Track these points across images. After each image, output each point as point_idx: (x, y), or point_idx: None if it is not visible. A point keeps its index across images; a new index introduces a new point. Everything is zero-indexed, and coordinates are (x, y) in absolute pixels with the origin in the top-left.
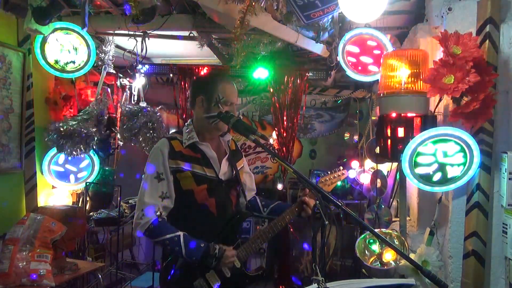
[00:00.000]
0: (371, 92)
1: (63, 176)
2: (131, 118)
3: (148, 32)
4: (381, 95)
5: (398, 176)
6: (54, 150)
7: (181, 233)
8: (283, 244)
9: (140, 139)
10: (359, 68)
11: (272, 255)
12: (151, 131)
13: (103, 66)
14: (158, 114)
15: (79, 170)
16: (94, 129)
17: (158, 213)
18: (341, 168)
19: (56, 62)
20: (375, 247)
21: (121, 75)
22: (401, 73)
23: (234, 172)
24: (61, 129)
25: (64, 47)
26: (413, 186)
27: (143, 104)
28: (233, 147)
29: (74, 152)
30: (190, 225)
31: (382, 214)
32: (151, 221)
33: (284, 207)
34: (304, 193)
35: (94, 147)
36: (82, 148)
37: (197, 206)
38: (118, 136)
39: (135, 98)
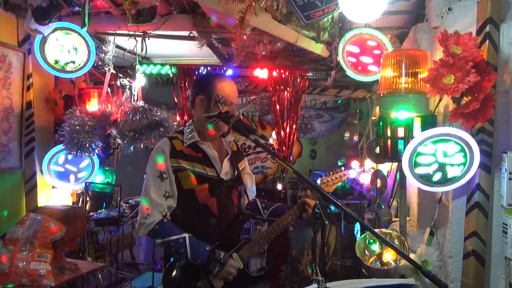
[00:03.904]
0: (371, 92)
1: (63, 176)
2: (132, 116)
3: (148, 32)
4: (381, 95)
5: (398, 176)
6: (54, 150)
7: (186, 235)
8: (283, 244)
9: (143, 138)
10: (359, 68)
11: (272, 255)
12: (156, 130)
13: (108, 67)
14: (159, 114)
15: (79, 170)
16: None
17: (164, 213)
18: (343, 168)
19: (56, 62)
20: (375, 247)
21: (121, 75)
22: (401, 73)
23: (236, 172)
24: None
25: (64, 47)
26: (413, 186)
27: (140, 103)
28: (234, 148)
29: (81, 153)
30: (191, 225)
31: (382, 214)
32: (156, 222)
33: (284, 209)
34: (305, 194)
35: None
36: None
37: (198, 206)
38: (117, 135)
39: (135, 98)
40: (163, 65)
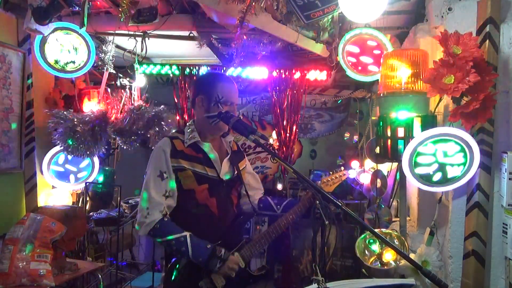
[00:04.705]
0: (371, 92)
1: (63, 176)
2: (133, 116)
3: (148, 32)
4: (381, 95)
5: (398, 176)
6: (54, 150)
7: (187, 234)
8: (283, 244)
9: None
10: (359, 68)
11: (273, 254)
12: (157, 128)
13: (105, 67)
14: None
15: (79, 170)
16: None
17: (164, 213)
18: (342, 168)
19: (56, 62)
20: (375, 247)
21: (121, 75)
22: (401, 73)
23: (236, 172)
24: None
25: (64, 47)
26: (413, 186)
27: (139, 103)
28: (234, 148)
29: (80, 153)
30: (191, 225)
31: (382, 214)
32: (156, 221)
33: (294, 204)
34: (307, 194)
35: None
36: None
37: (198, 206)
38: (116, 134)
39: (135, 98)
40: (163, 65)
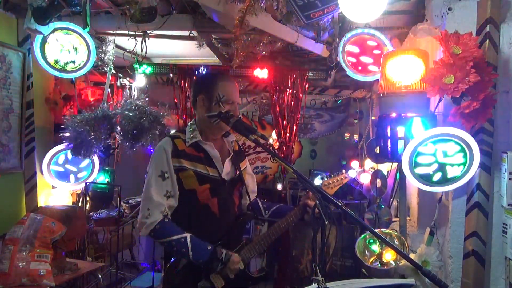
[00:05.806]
0: (371, 92)
1: (63, 176)
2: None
3: (148, 32)
4: (381, 95)
5: (398, 176)
6: (54, 150)
7: (188, 235)
8: (283, 244)
9: (147, 138)
10: (359, 68)
11: (272, 255)
12: (157, 129)
13: (108, 67)
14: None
15: (79, 170)
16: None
17: (165, 213)
18: (344, 171)
19: (56, 62)
20: (375, 247)
21: (121, 75)
22: (401, 73)
23: (238, 173)
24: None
25: (64, 47)
26: (413, 186)
27: (138, 102)
28: (236, 148)
29: (85, 154)
30: (192, 225)
31: (382, 214)
32: (157, 222)
33: (285, 210)
34: (307, 196)
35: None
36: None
37: (200, 206)
38: (119, 134)
39: (135, 98)
40: (163, 65)
